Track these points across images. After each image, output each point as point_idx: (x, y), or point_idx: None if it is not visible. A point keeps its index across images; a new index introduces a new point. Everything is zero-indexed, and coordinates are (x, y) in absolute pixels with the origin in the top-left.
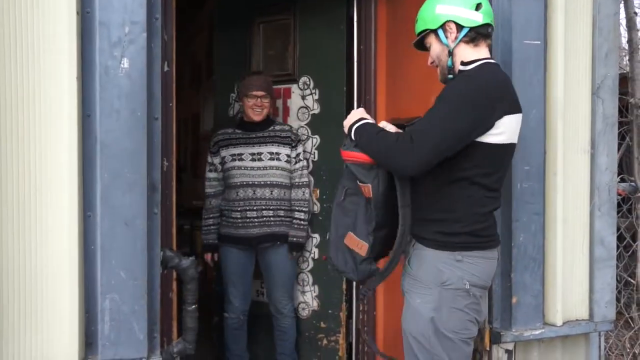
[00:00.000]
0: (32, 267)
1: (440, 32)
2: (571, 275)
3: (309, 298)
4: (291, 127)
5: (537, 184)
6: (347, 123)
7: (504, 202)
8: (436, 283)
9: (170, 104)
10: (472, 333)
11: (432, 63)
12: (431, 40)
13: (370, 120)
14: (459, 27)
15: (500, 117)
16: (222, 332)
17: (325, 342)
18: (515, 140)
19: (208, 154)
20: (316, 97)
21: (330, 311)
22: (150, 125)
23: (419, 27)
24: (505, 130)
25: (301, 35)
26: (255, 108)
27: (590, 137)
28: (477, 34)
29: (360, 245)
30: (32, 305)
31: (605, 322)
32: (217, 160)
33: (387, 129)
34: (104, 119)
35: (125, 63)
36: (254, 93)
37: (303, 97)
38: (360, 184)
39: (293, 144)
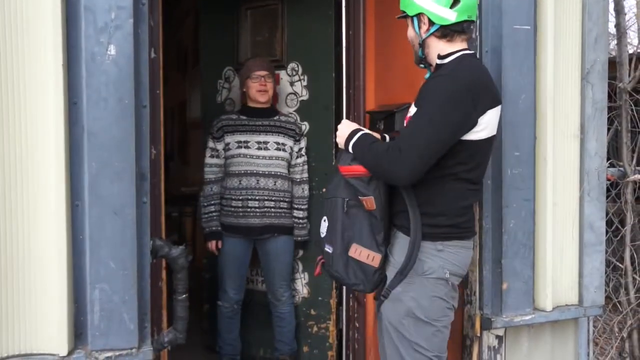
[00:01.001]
0: (19, 257)
1: (415, 20)
2: (561, 261)
3: (299, 285)
4: (296, 118)
5: (527, 169)
6: (341, 138)
7: (494, 188)
8: (417, 272)
9: (158, 91)
10: (450, 319)
11: (409, 41)
12: (408, 23)
13: (364, 130)
14: (431, 22)
15: (482, 113)
16: (212, 320)
17: (315, 329)
18: (495, 132)
19: (210, 139)
20: (305, 83)
21: (320, 298)
22: (139, 113)
23: (401, 6)
24: (487, 126)
25: (289, 20)
26: (261, 88)
27: (580, 122)
28: (449, 31)
29: (371, 257)
30: (20, 296)
31: (595, 307)
32: (220, 146)
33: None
34: (91, 107)
35: (112, 50)
36: (258, 73)
37: (291, 84)
38: (362, 197)
39: (297, 138)
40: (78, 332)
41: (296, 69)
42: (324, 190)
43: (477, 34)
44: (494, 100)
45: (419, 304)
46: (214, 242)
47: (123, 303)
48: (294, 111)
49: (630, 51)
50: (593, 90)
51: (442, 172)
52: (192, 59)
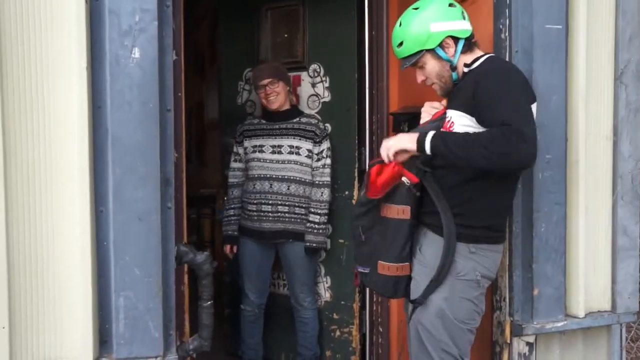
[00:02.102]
0: (44, 264)
1: (439, 49)
2: (593, 266)
3: (321, 289)
4: (319, 120)
5: (558, 172)
6: (410, 141)
7: (525, 192)
8: (450, 274)
9: (179, 94)
10: (477, 323)
11: (424, 81)
12: (426, 59)
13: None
14: (456, 40)
15: (531, 105)
16: (234, 324)
17: (338, 333)
18: None
19: (234, 143)
20: (327, 84)
21: (343, 302)
22: (163, 117)
23: (411, 49)
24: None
25: (310, 21)
26: (267, 97)
27: (613, 123)
28: (470, 42)
29: (401, 268)
30: (45, 303)
31: (628, 314)
32: (241, 150)
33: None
34: (115, 111)
35: (136, 53)
36: (260, 83)
37: (313, 85)
38: (397, 206)
39: (317, 139)
40: (103, 340)
41: (318, 70)
42: (346, 192)
43: (507, 34)
44: (534, 95)
45: (450, 304)
46: (228, 247)
47: (148, 311)
48: (316, 112)
49: None
50: (627, 91)
51: (483, 172)
52: (209, 60)
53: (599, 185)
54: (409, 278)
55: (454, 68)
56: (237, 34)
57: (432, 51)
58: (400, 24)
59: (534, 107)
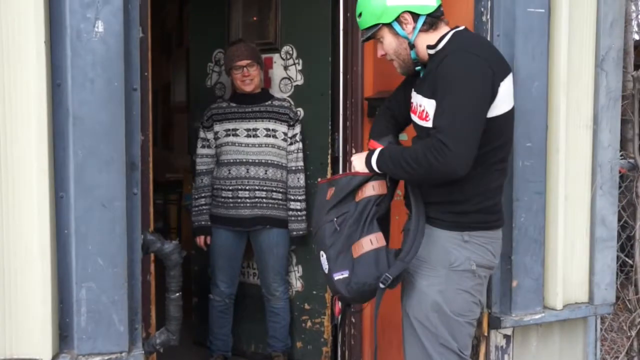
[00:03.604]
0: None
1: (396, 24)
2: (572, 257)
3: (292, 279)
4: (291, 103)
5: (538, 161)
6: (360, 166)
7: (505, 181)
8: (443, 265)
9: (146, 74)
10: (476, 314)
11: (384, 56)
12: (383, 33)
13: (379, 147)
14: (415, 17)
15: (500, 81)
16: (202, 314)
17: (309, 324)
18: (513, 103)
19: (200, 128)
20: (299, 67)
21: (314, 292)
22: (129, 97)
23: (368, 21)
24: (506, 97)
25: (283, 0)
26: (244, 79)
27: (593, 112)
28: (433, 19)
29: (373, 239)
30: (0, 296)
31: (605, 305)
32: (210, 135)
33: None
34: (76, 89)
35: (100, 26)
36: (238, 63)
37: (285, 68)
38: (375, 181)
39: (291, 122)
40: (63, 335)
41: (290, 52)
42: (319, 180)
43: (489, 16)
44: (506, 67)
45: (445, 297)
46: (202, 238)
47: (112, 303)
48: (288, 97)
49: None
50: (607, 78)
51: None
52: (176, 40)
53: (578, 175)
54: (392, 253)
55: (412, 46)
56: (206, 14)
57: (389, 26)
58: None
59: (507, 80)
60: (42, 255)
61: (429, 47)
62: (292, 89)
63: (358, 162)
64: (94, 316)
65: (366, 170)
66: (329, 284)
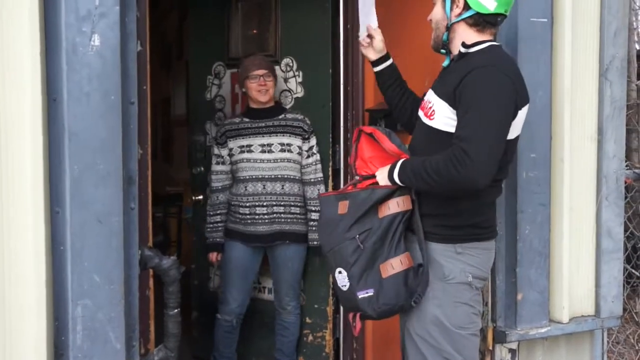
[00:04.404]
0: None
1: (448, 0)
2: (577, 269)
3: None
4: (304, 117)
5: (543, 172)
6: (383, 180)
7: (509, 192)
8: (439, 278)
9: (145, 87)
10: (478, 325)
11: (429, 21)
12: (436, 1)
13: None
14: (467, 6)
15: (519, 110)
16: (201, 328)
17: (310, 338)
18: (520, 132)
19: (214, 145)
20: (300, 79)
21: (316, 306)
22: (126, 110)
23: None
24: (518, 124)
25: (283, 13)
26: (260, 88)
27: (598, 121)
28: (482, 20)
29: (405, 259)
30: None
31: (612, 318)
32: (224, 152)
33: None
34: (72, 104)
35: (96, 40)
36: (255, 72)
37: (286, 80)
38: (399, 197)
39: (305, 136)
40: (58, 354)
41: (291, 64)
42: (320, 192)
43: None
44: (527, 97)
45: (444, 311)
46: (214, 254)
47: (109, 321)
48: (289, 109)
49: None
50: (612, 87)
51: None
52: (176, 53)
53: (583, 186)
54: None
55: (447, 28)
56: (206, 27)
57: None
58: None
59: (525, 109)
60: (37, 272)
61: (464, 45)
62: (293, 101)
63: (381, 177)
64: (90, 334)
65: (389, 184)
66: (347, 302)
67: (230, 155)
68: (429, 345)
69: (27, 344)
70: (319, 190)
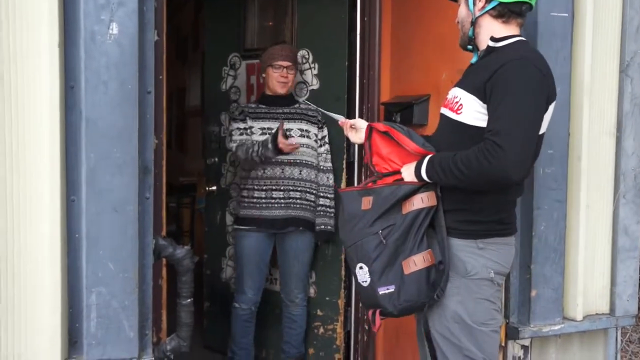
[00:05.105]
0: (9, 257)
1: None
2: (592, 267)
3: None
4: (317, 107)
5: (560, 168)
6: (410, 176)
7: (525, 188)
8: (460, 274)
9: (161, 77)
10: (499, 322)
11: (457, 23)
12: (460, 1)
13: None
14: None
15: (549, 105)
16: (213, 318)
17: (322, 330)
18: (545, 129)
19: (231, 122)
20: (315, 71)
21: (327, 298)
22: (143, 100)
23: None
24: (547, 119)
25: (299, 5)
26: (281, 79)
27: (617, 118)
28: (507, 10)
29: (427, 256)
30: (9, 300)
31: (627, 317)
32: (246, 125)
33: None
34: (89, 92)
35: (114, 28)
36: (280, 63)
37: (301, 72)
38: (424, 193)
39: (319, 125)
40: (73, 341)
41: (306, 56)
42: (339, 187)
43: None
44: (555, 93)
45: (466, 307)
46: (281, 132)
47: (123, 309)
48: (304, 101)
49: None
50: (632, 84)
51: None
52: (192, 44)
53: (600, 183)
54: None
55: (472, 23)
56: (222, 18)
57: None
58: None
59: (552, 106)
60: (53, 260)
61: (493, 39)
62: (308, 93)
63: (407, 173)
64: (104, 322)
65: (415, 180)
66: (367, 298)
67: (251, 133)
68: (450, 343)
69: (42, 330)
70: (328, 177)
